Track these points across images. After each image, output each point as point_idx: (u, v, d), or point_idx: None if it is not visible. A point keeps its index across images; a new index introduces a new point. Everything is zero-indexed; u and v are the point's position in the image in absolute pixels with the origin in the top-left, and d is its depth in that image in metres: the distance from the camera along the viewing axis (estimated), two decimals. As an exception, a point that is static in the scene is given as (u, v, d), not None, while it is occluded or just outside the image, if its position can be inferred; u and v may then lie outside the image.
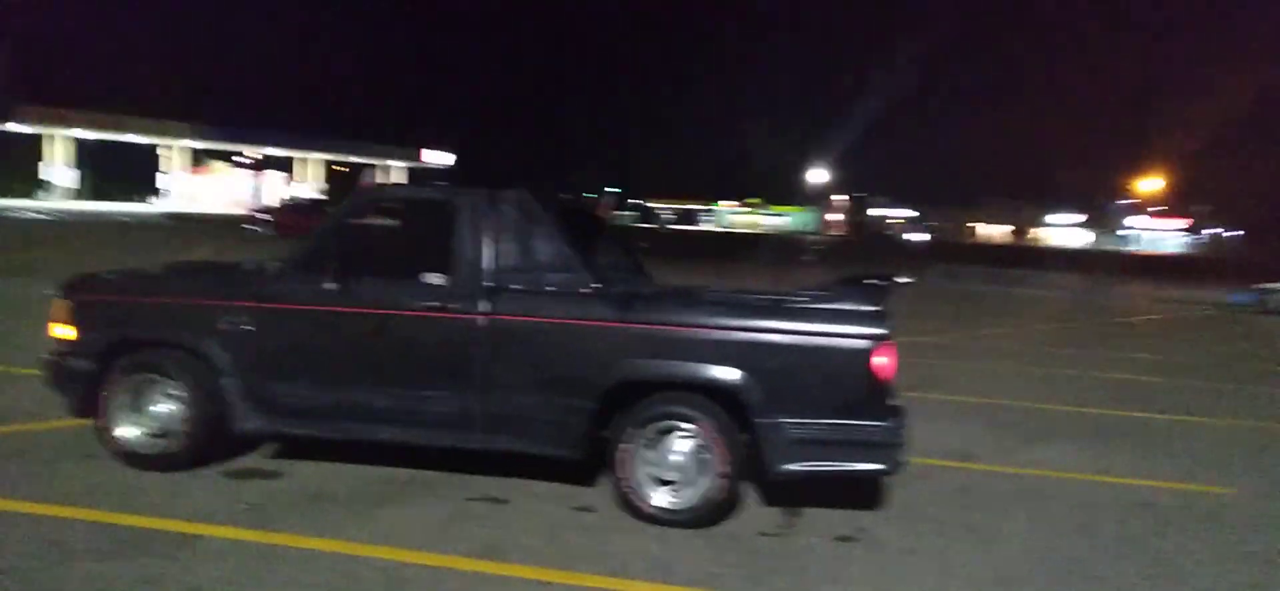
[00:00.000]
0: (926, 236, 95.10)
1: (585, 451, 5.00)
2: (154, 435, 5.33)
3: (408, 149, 78.89)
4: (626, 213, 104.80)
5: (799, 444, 4.79)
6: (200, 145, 67.36)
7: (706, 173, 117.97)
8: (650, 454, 4.91)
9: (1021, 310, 19.84)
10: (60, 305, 5.48)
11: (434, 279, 5.15)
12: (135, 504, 4.73)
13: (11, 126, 57.82)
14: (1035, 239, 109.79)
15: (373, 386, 5.15)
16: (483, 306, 5.01)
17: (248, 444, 5.74)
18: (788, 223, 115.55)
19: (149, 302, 5.48)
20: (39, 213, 44.01)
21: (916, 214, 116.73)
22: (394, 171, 75.45)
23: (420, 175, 73.77)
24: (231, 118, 70.72)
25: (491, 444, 5.08)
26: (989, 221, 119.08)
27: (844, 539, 4.84)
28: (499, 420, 5.03)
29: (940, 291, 26.02)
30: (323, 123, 76.62)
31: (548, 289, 5.06)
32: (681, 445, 4.90)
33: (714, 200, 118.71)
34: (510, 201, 5.20)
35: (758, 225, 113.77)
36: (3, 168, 60.21)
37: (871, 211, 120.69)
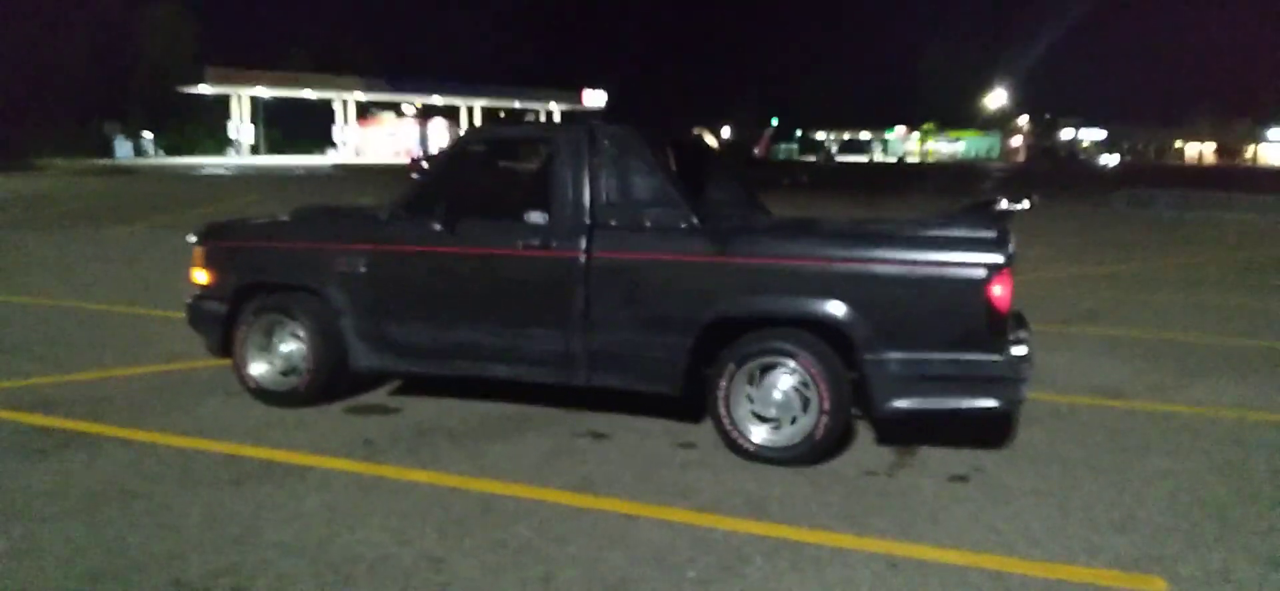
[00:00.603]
0: (1116, 159, 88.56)
1: (686, 388, 4.92)
2: (282, 373, 5.63)
3: (568, 91, 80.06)
4: (789, 144, 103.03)
5: (907, 380, 4.55)
6: (369, 97, 70.60)
7: (876, 98, 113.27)
8: (751, 391, 4.79)
9: (1219, 238, 18.19)
10: (197, 251, 5.83)
11: (536, 217, 5.16)
12: (262, 437, 5.01)
13: (201, 89, 62.31)
14: (1249, 158, 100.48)
15: (479, 325, 5.23)
16: (582, 244, 4.98)
17: (373, 381, 5.98)
18: (965, 149, 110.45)
19: (274, 247, 5.75)
20: (226, 168, 47.41)
21: (1105, 134, 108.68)
22: (554, 113, 76.80)
23: (575, 116, 74.82)
24: (398, 70, 73.63)
25: (593, 381, 5.08)
26: (1197, 140, 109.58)
27: (958, 478, 4.58)
28: (600, 357, 5.02)
29: (1124, 218, 24.26)
30: (485, 70, 78.59)
31: (646, 225, 4.97)
32: (783, 382, 4.74)
33: (888, 128, 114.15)
34: (610, 137, 5.12)
35: (932, 153, 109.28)
36: (193, 127, 65.11)
37: (1062, 134, 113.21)
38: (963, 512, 4.17)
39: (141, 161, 56.79)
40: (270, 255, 5.71)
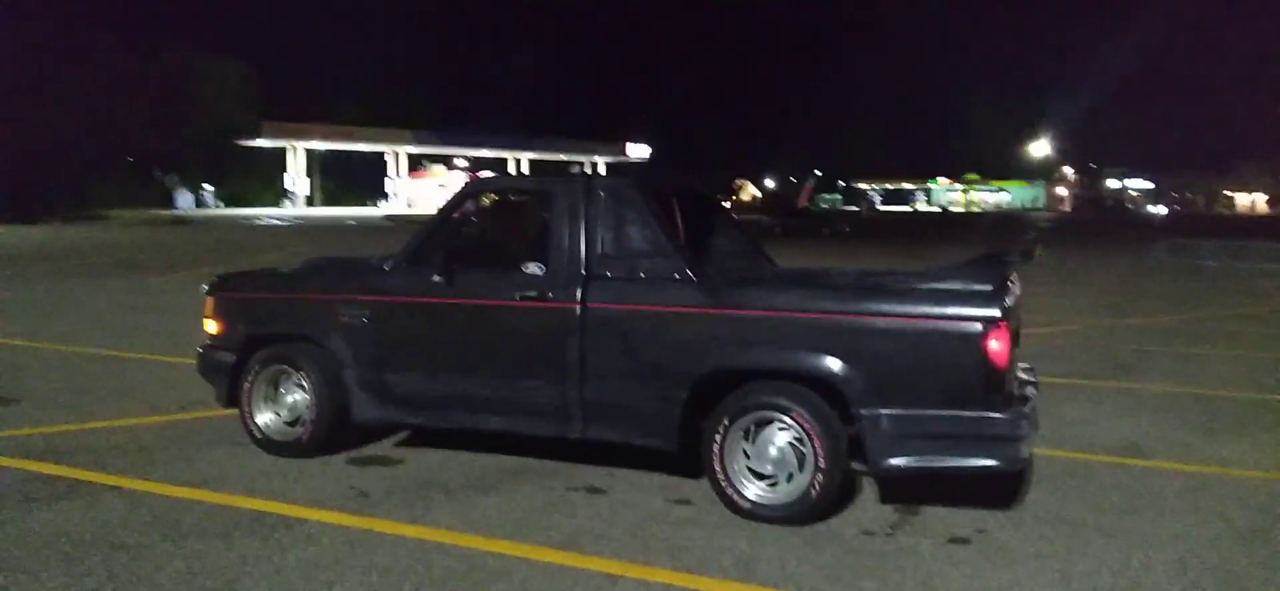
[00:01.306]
0: (1165, 209, 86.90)
1: (682, 443, 4.85)
2: (287, 423, 5.66)
3: (613, 144, 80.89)
4: (832, 195, 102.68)
5: (903, 437, 4.43)
6: (420, 149, 72.02)
7: (920, 149, 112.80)
8: (746, 446, 4.70)
9: (1262, 291, 17.64)
10: (208, 302, 5.92)
11: (533, 269, 5.16)
12: (258, 488, 5.03)
13: (259, 142, 64.09)
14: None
15: (477, 376, 5.22)
16: (577, 295, 4.96)
17: (381, 432, 5.98)
18: (1009, 199, 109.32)
19: (281, 298, 5.82)
20: (279, 219, 48.50)
21: (1151, 185, 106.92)
22: (599, 166, 77.55)
23: (620, 168, 75.42)
24: (448, 122, 75.06)
25: (589, 433, 5.03)
26: (1247, 190, 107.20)
27: (958, 540, 4.43)
28: (595, 410, 4.97)
29: (1165, 269, 23.69)
30: (532, 123, 79.81)
31: (640, 276, 4.94)
32: (778, 438, 4.65)
33: (929, 178, 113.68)
34: (606, 189, 5.12)
35: (975, 203, 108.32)
36: (251, 179, 66.90)
37: (1108, 184, 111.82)
38: (958, 577, 4.02)
39: (201, 212, 58.31)
40: (276, 306, 5.78)
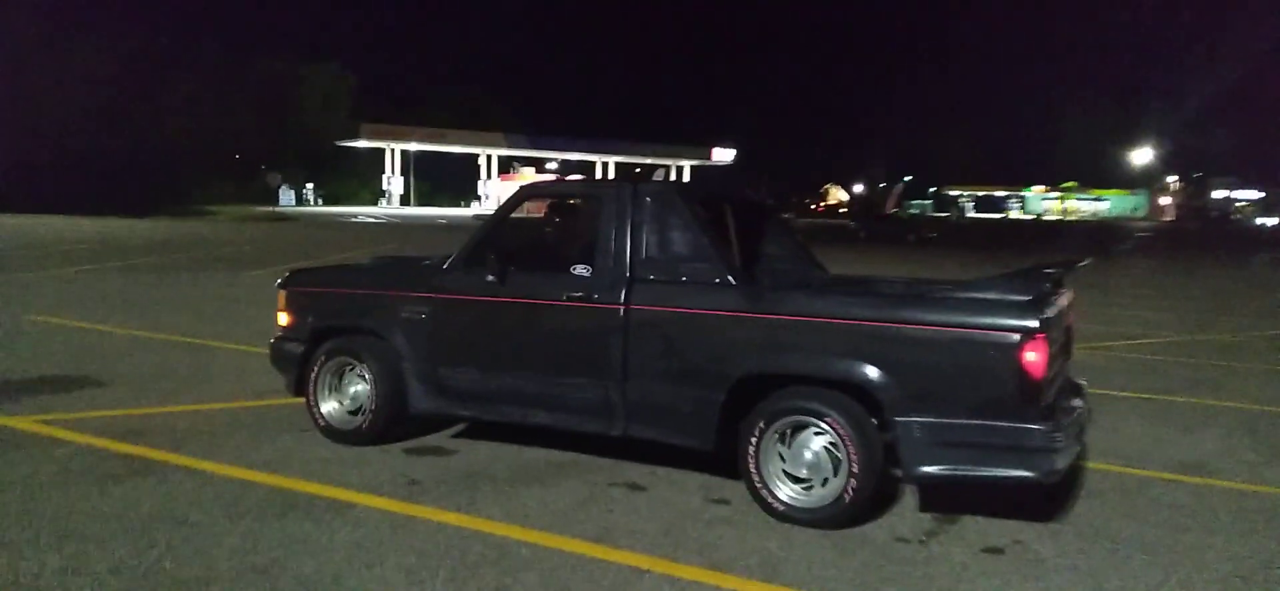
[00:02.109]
0: (1274, 221, 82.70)
1: (720, 444, 4.93)
2: (350, 412, 5.93)
3: (700, 148, 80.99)
4: (922, 201, 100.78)
5: (937, 445, 4.42)
6: (511, 152, 73.39)
7: (1016, 155, 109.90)
8: (782, 449, 4.75)
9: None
10: (280, 295, 6.24)
11: (580, 270, 5.30)
12: (317, 473, 5.28)
13: (356, 143, 66.23)
14: None
15: (527, 373, 5.39)
16: (621, 296, 5.09)
17: (440, 424, 6.20)
18: (1109, 208, 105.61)
19: (347, 293, 6.10)
20: (375, 217, 49.98)
21: (1261, 195, 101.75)
22: (685, 170, 77.75)
23: (706, 173, 75.46)
24: (539, 126, 76.29)
25: (630, 431, 5.15)
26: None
27: (992, 550, 4.40)
28: (636, 409, 5.09)
29: (1262, 283, 22.62)
30: (622, 127, 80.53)
31: (683, 279, 5.04)
32: (813, 442, 4.69)
33: (1024, 186, 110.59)
34: (651, 195, 5.23)
35: (1072, 211, 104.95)
36: (350, 179, 69.17)
37: (1214, 194, 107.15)
38: (985, 586, 4.01)
39: (301, 210, 60.48)
40: (341, 300, 6.05)
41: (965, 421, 4.38)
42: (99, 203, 40.43)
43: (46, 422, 6.15)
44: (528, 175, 72.14)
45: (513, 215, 5.73)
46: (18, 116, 45.65)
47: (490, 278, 5.42)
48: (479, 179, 73.04)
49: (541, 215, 5.98)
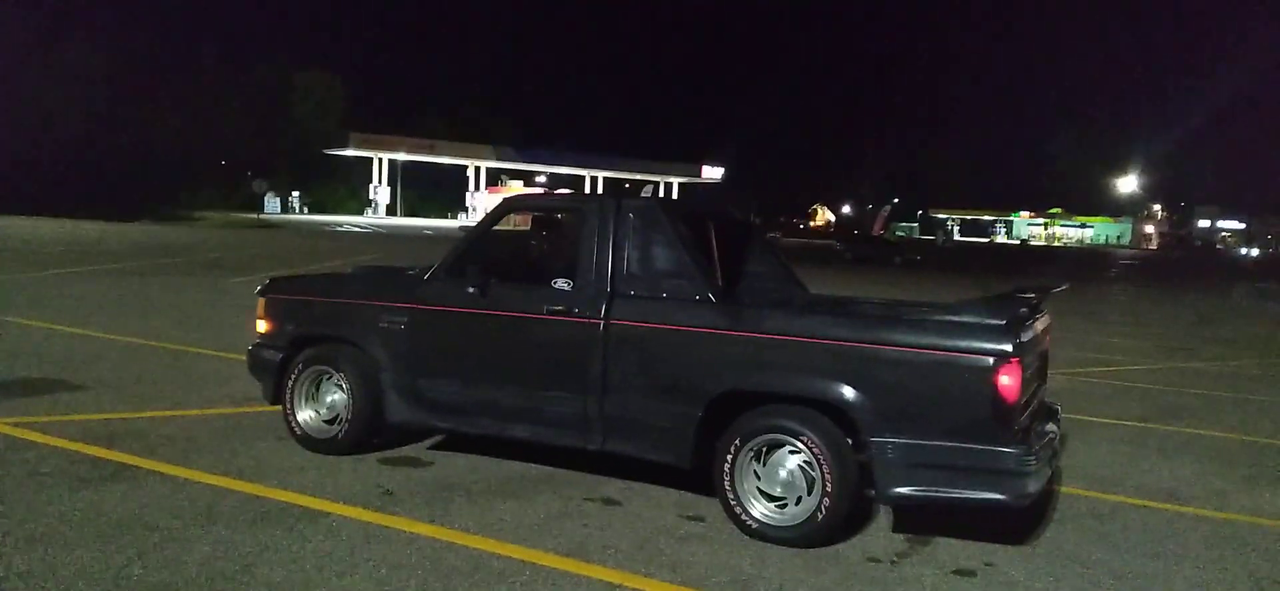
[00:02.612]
0: (1256, 251, 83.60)
1: (696, 460, 4.94)
2: (326, 421, 5.90)
3: (689, 165, 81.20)
4: (909, 223, 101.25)
5: (910, 466, 4.45)
6: (500, 165, 73.39)
7: (1003, 181, 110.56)
8: (757, 467, 4.76)
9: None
10: (259, 302, 6.22)
11: (561, 284, 5.32)
12: (291, 482, 5.26)
13: (347, 152, 66.10)
14: None
15: (505, 386, 5.39)
16: (601, 311, 5.10)
17: (416, 435, 6.19)
18: (1093, 235, 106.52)
19: (325, 301, 6.08)
20: (361, 227, 49.83)
21: (1243, 226, 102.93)
22: (673, 187, 77.90)
23: (693, 190, 75.71)
24: (527, 140, 76.35)
25: (607, 447, 5.15)
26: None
27: (964, 572, 4.42)
28: (614, 424, 5.10)
29: (1242, 312, 22.82)
30: (610, 142, 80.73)
31: (662, 295, 5.06)
32: (788, 461, 4.70)
33: (1011, 211, 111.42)
34: (634, 210, 5.25)
35: (1058, 238, 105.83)
36: (336, 187, 69.03)
37: (1199, 223, 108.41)
38: (955, 608, 4.03)
39: (287, 217, 60.24)
40: (320, 309, 6.04)
41: (939, 443, 4.40)
42: (85, 205, 40.19)
43: (18, 425, 6.10)
44: (515, 188, 72.28)
45: (496, 227, 5.74)
46: (6, 116, 45.40)
47: (471, 289, 5.42)
48: (467, 191, 72.98)
49: (525, 228, 5.99)
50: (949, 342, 4.41)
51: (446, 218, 67.69)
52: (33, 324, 10.73)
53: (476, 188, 72.24)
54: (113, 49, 52.86)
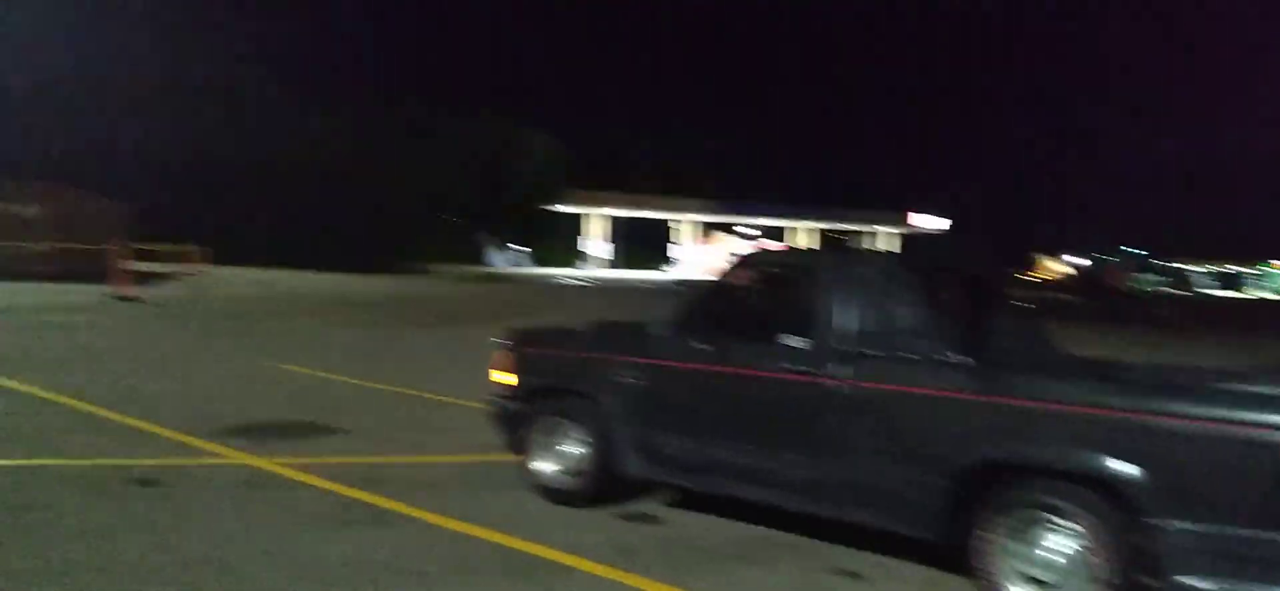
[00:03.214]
0: None
1: (943, 534, 4.65)
2: (564, 473, 6.03)
3: (897, 214, 79.10)
4: (1152, 275, 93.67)
5: (1203, 555, 3.98)
6: (705, 218, 74.42)
7: (1254, 227, 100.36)
8: (1016, 546, 4.42)
9: None
10: (499, 355, 6.47)
11: (795, 342, 5.19)
12: (536, 534, 5.38)
13: (563, 207, 69.11)
14: None
15: (738, 444, 5.31)
16: (839, 371, 4.94)
17: (651, 489, 6.20)
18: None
19: (563, 355, 6.25)
20: (578, 279, 51.66)
21: None
22: (882, 237, 76.05)
23: (909, 240, 73.48)
24: (731, 191, 77.00)
25: (842, 514, 4.96)
26: None
27: (1269, 680, 3.89)
28: (851, 490, 4.90)
29: None
30: (817, 192, 79.99)
31: (906, 356, 4.83)
32: (1054, 540, 4.33)
33: (1261, 261, 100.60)
34: (874, 266, 5.09)
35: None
36: (554, 240, 72.10)
37: None
38: None
39: (512, 271, 63.47)
40: (559, 362, 6.21)
41: (1235, 531, 3.92)
42: (322, 257, 43.82)
43: (289, 466, 6.62)
44: (724, 240, 72.77)
45: (729, 283, 5.71)
46: (253, 176, 50.61)
47: (704, 345, 5.41)
48: (675, 242, 74.35)
49: (756, 283, 5.90)
50: (1244, 416, 3.94)
51: (654, 269, 69.08)
52: (287, 368, 11.73)
53: (682, 240, 73.48)
54: (350, 112, 58.25)
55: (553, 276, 54.04)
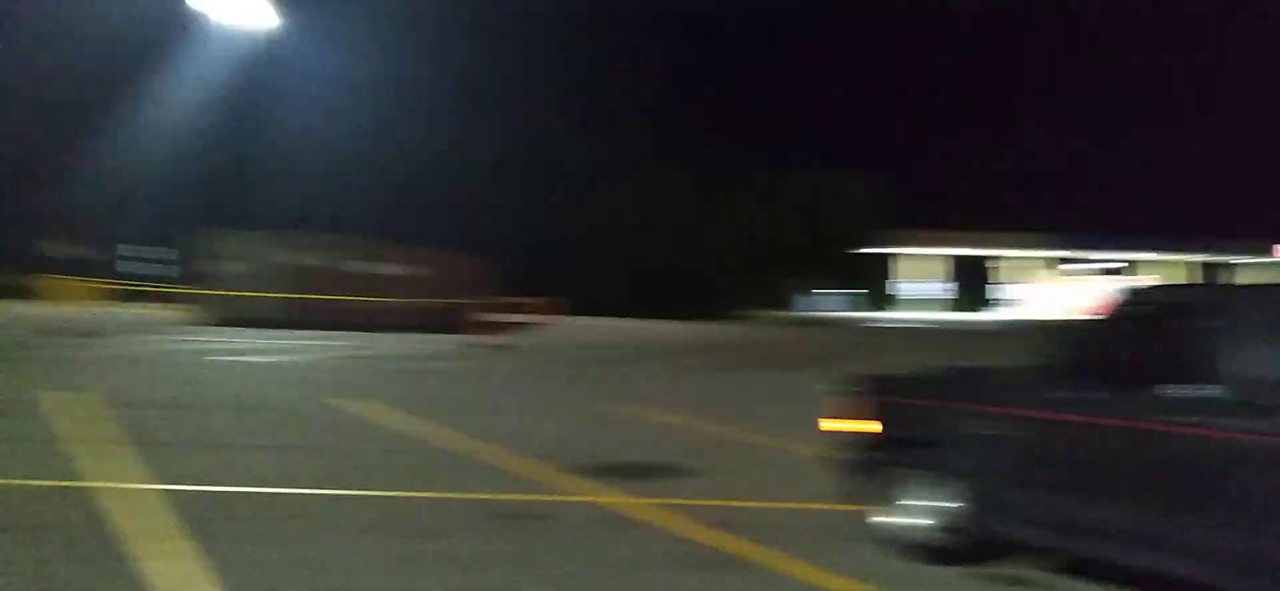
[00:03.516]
0: None
1: None
2: (923, 527, 5.65)
3: (1258, 243, 69.49)
4: None
5: None
6: (1031, 254, 69.90)
7: None
8: None
9: None
10: (846, 401, 6.24)
11: (1192, 391, 4.54)
12: (887, 586, 5.14)
13: (880, 249, 67.75)
14: None
15: (1119, 505, 4.70)
16: (1246, 424, 4.26)
17: (1024, 549, 5.65)
18: None
19: (912, 404, 5.93)
20: (898, 322, 50.08)
21: None
22: (1241, 269, 67.15)
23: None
24: (1079, 228, 71.70)
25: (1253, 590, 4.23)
26: None
27: None
28: (1262, 564, 4.18)
29: None
30: (1168, 225, 72.04)
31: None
32: None
33: None
34: (1285, 301, 4.35)
35: None
36: (866, 282, 70.93)
37: None
38: None
39: (825, 314, 63.04)
40: (914, 411, 5.87)
41: None
42: (649, 306, 45.95)
43: (631, 506, 6.80)
44: (1059, 276, 67.54)
45: (1115, 323, 5.14)
46: (600, 233, 55.19)
47: (1081, 394, 4.88)
48: (991, 282, 70.39)
49: (1150, 323, 5.22)
50: None
51: (979, 310, 65.42)
52: (624, 411, 12.26)
53: (1006, 279, 69.29)
54: (675, 178, 61.66)
55: (870, 319, 52.80)
